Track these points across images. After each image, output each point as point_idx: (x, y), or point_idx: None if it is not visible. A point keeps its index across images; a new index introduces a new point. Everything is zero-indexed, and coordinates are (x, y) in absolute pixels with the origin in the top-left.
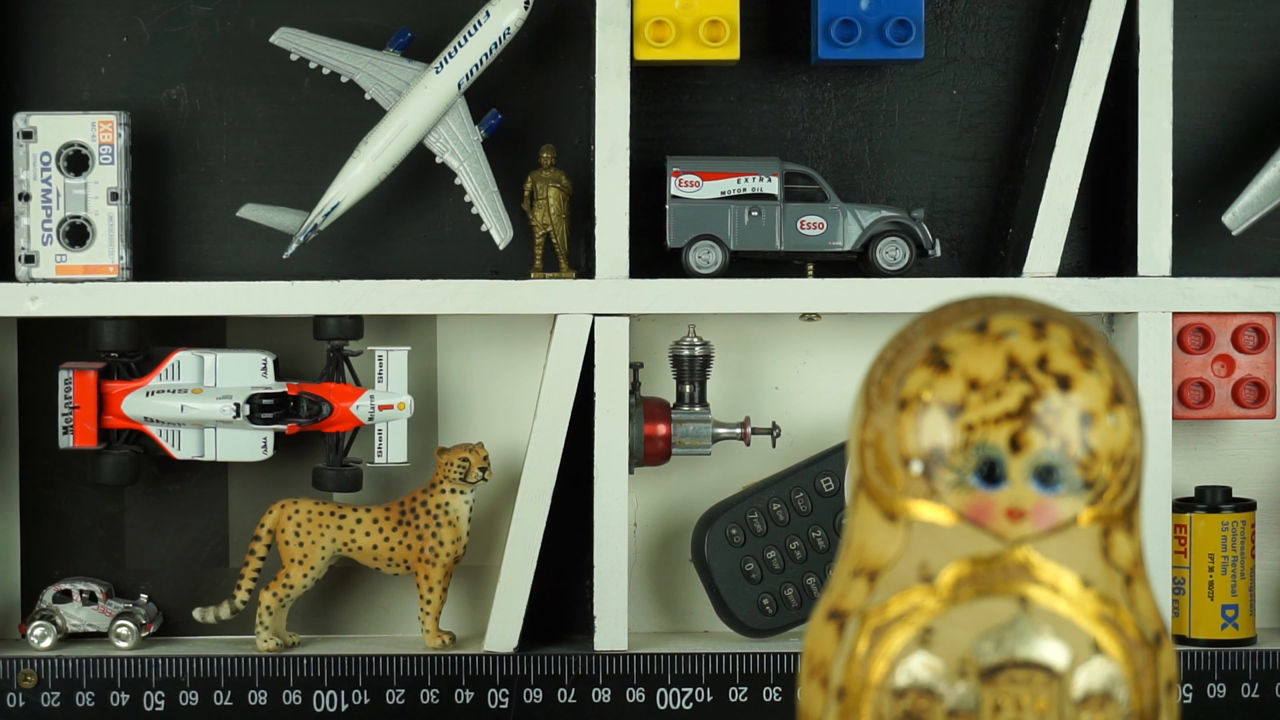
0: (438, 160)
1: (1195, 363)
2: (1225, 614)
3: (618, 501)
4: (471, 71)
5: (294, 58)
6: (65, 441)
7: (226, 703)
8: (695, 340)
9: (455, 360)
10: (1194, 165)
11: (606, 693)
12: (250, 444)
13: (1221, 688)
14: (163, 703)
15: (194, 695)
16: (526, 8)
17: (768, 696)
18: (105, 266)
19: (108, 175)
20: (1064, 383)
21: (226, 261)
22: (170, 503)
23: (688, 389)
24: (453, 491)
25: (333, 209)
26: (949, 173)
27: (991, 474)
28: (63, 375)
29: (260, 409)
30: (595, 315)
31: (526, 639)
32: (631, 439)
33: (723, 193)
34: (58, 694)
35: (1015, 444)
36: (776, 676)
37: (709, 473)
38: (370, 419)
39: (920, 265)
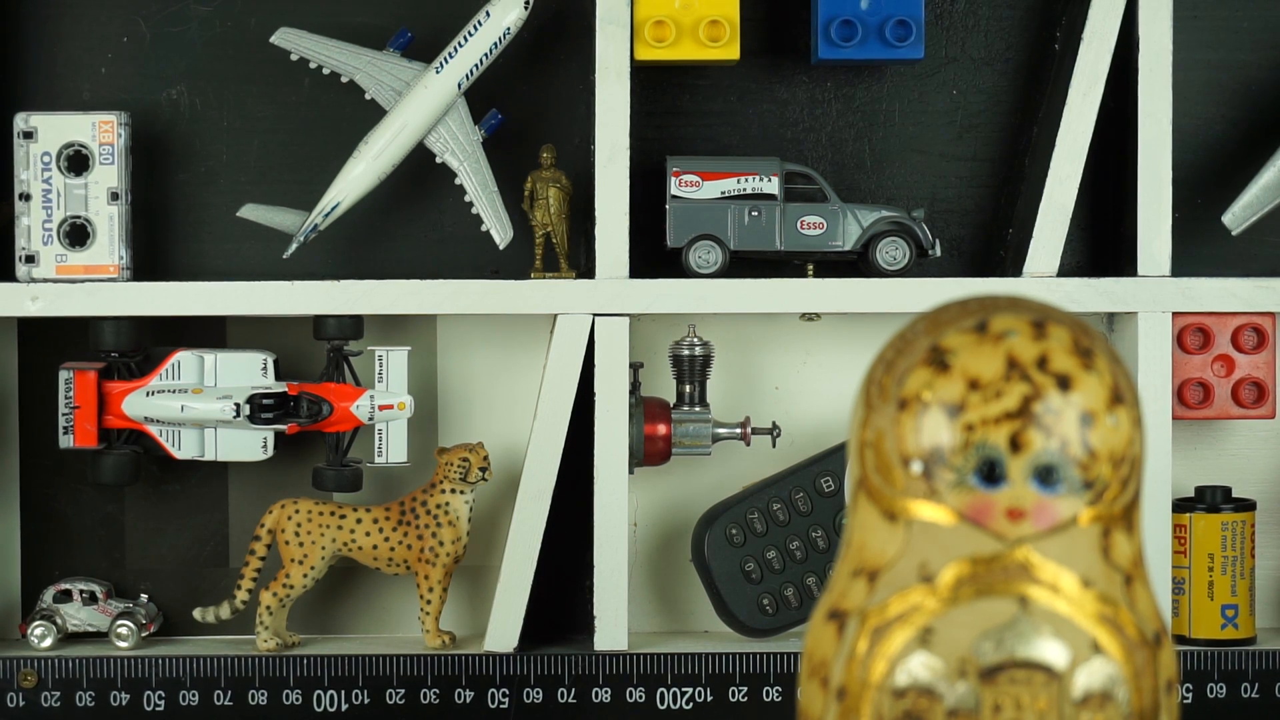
0: (438, 160)
1: (1195, 363)
2: (1225, 614)
3: (618, 501)
4: (471, 71)
5: (294, 58)
6: (65, 441)
7: (226, 703)
8: (695, 340)
9: (455, 360)
10: (1194, 165)
11: (606, 693)
12: (250, 444)
13: (1221, 688)
14: (163, 703)
15: (194, 695)
16: (526, 8)
17: (768, 696)
18: (105, 266)
19: (108, 175)
20: (1064, 383)
21: (226, 261)
22: (170, 503)
23: (688, 389)
24: (453, 491)
25: (333, 209)
26: (949, 173)
27: (991, 474)
28: (63, 375)
29: (260, 409)
30: (595, 315)
31: (526, 639)
32: (631, 439)
33: (723, 193)
34: (58, 694)
35: (1015, 444)
36: (776, 676)
37: (709, 473)
38: (370, 419)
39: (920, 265)
